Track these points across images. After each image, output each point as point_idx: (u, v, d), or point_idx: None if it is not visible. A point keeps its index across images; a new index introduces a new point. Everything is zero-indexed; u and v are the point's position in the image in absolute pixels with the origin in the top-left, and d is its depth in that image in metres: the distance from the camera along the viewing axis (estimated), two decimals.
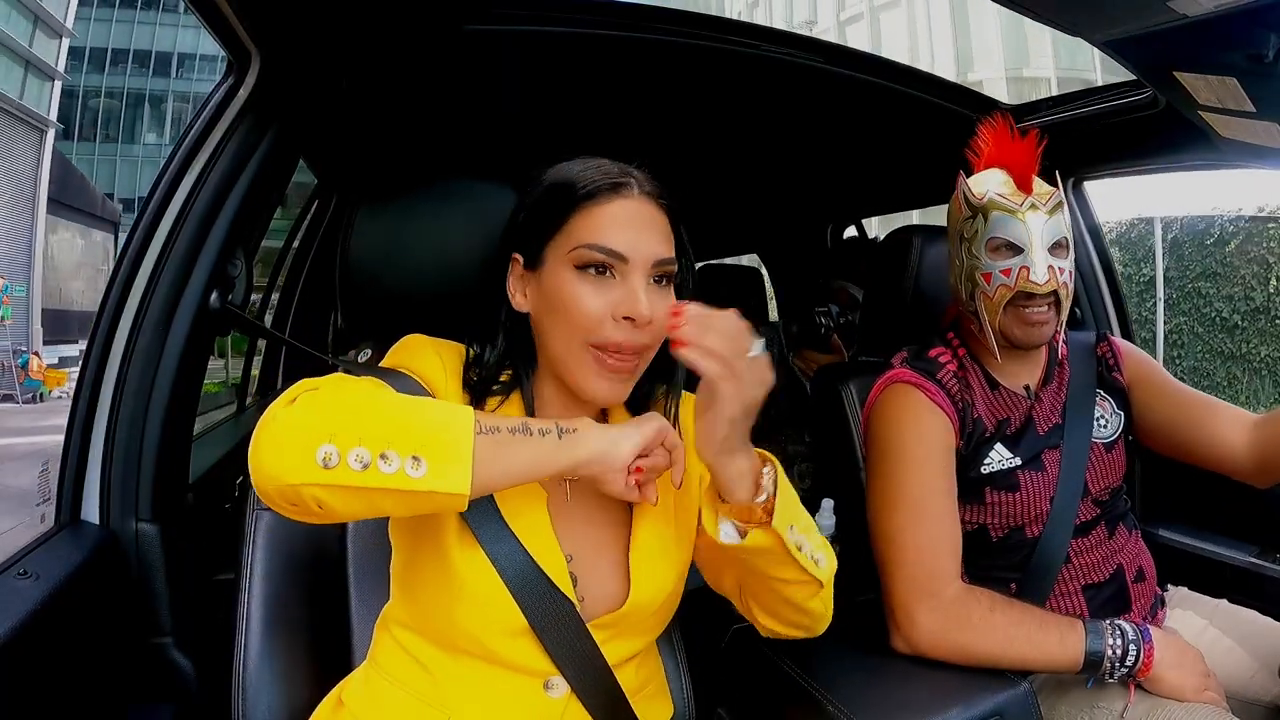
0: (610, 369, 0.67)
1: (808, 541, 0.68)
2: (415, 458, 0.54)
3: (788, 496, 0.67)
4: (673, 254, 0.70)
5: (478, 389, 0.72)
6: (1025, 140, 1.00)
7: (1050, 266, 0.96)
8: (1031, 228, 0.97)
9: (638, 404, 0.75)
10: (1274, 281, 7.16)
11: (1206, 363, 7.34)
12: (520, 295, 0.72)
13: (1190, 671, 0.87)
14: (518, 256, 0.72)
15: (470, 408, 0.59)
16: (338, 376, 0.64)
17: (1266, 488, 1.02)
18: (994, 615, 0.89)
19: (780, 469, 0.68)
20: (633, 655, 0.74)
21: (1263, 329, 7.31)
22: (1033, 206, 0.97)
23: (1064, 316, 1.01)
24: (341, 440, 0.54)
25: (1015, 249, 0.97)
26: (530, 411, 0.72)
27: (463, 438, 0.56)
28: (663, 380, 0.75)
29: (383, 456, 0.54)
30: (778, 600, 0.72)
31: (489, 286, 0.75)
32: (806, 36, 1.31)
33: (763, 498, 0.65)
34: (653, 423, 0.64)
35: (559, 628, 0.67)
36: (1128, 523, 1.07)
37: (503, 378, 0.74)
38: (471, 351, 0.74)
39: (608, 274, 0.67)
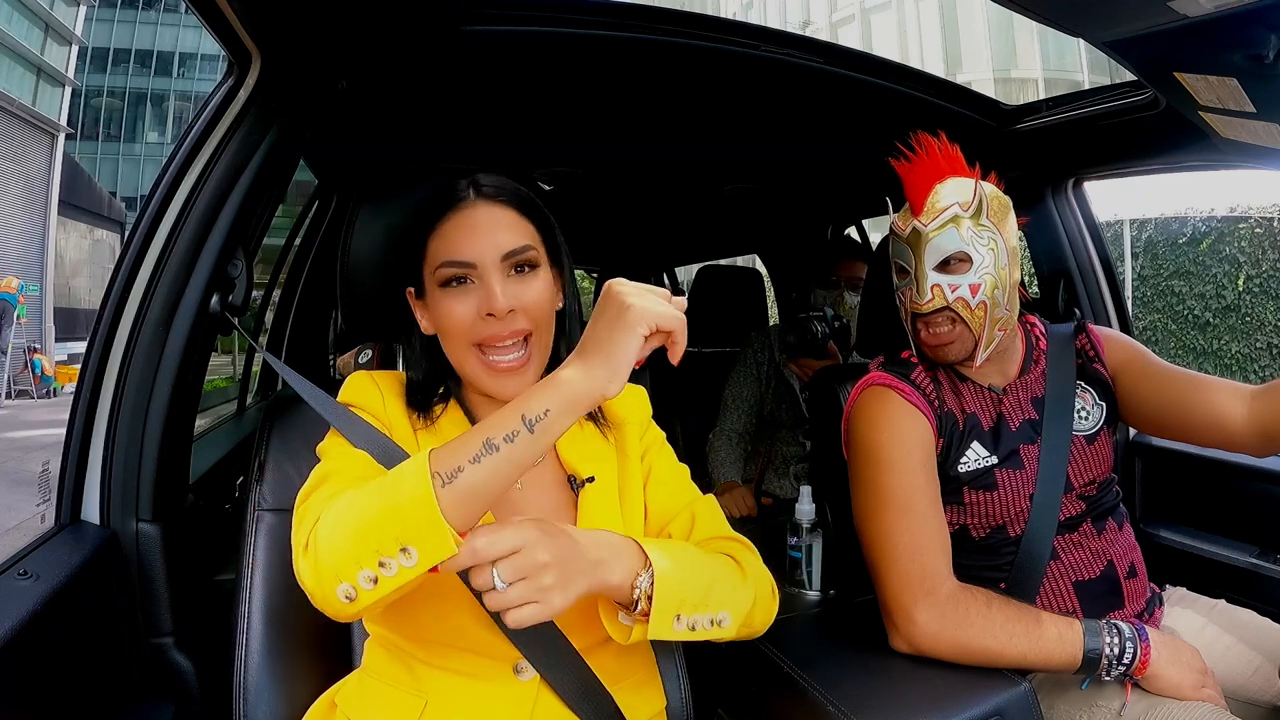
0: (502, 371, 0.73)
1: (702, 617, 0.70)
2: (404, 550, 0.57)
3: (670, 588, 0.67)
4: (524, 242, 0.75)
5: (419, 405, 0.78)
6: (917, 161, 1.02)
7: (936, 285, 0.99)
8: (916, 251, 1.01)
9: None
10: (1244, 280, 7.25)
11: (1179, 359, 7.53)
12: (425, 321, 0.79)
13: (1188, 668, 0.87)
14: (410, 289, 0.80)
15: (424, 469, 0.59)
16: (316, 490, 0.68)
17: (1265, 457, 1.03)
18: (992, 612, 0.89)
19: (658, 571, 0.67)
20: (603, 639, 0.75)
21: (1233, 326, 7.45)
22: (914, 231, 1.01)
23: (984, 329, 1.00)
24: (348, 574, 0.59)
25: (905, 271, 1.03)
26: (469, 414, 0.78)
27: (428, 509, 0.57)
28: (565, 347, 0.81)
29: (382, 565, 0.58)
30: None
31: (399, 319, 0.81)
32: (805, 37, 1.31)
33: (638, 609, 0.67)
34: (640, 325, 0.60)
35: None
36: (1118, 517, 1.06)
37: (440, 390, 0.80)
38: (412, 376, 0.81)
39: (467, 282, 0.73)
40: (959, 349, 1.01)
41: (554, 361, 0.79)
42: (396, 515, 0.58)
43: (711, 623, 0.70)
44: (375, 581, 0.58)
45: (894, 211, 1.07)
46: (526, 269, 0.75)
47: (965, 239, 0.99)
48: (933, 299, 0.99)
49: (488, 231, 0.74)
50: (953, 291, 0.98)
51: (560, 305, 0.80)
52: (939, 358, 1.03)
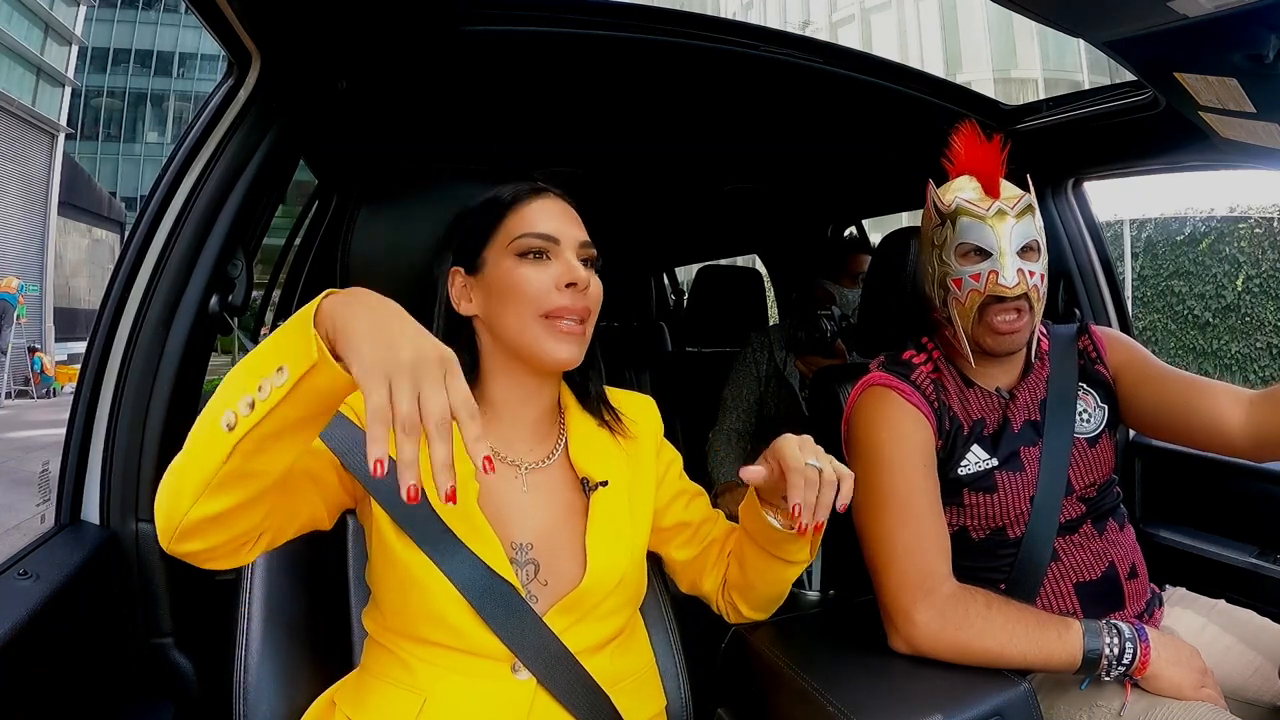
0: (565, 333, 0.77)
1: None
2: (278, 369, 0.55)
3: None
4: (590, 241, 0.82)
5: None
6: (991, 145, 1.00)
7: (1020, 270, 0.97)
8: (999, 232, 0.97)
9: (579, 391, 0.87)
10: (1244, 280, 7.25)
11: (1179, 359, 7.57)
12: (465, 301, 0.81)
13: (1188, 668, 0.87)
14: (458, 269, 0.82)
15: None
16: None
17: (1263, 462, 1.03)
18: (992, 613, 0.89)
19: None
20: (601, 643, 0.77)
21: (1233, 326, 7.46)
22: (999, 211, 0.98)
23: (1037, 320, 1.01)
24: (217, 411, 0.57)
25: (984, 253, 0.98)
26: None
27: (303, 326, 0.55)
28: (591, 367, 0.86)
29: (258, 388, 0.55)
30: (774, 585, 0.88)
31: (424, 305, 0.83)
32: (805, 37, 1.31)
33: None
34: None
35: (507, 613, 0.72)
36: (1118, 518, 1.06)
37: None
38: None
39: (544, 256, 0.78)
40: (1021, 338, 1.00)
41: (572, 372, 0.84)
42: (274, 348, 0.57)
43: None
44: (253, 406, 0.55)
45: (937, 190, 1.03)
46: (588, 264, 0.81)
47: (1037, 228, 1.00)
48: (1019, 282, 0.97)
49: (568, 220, 0.81)
50: (1031, 278, 0.98)
51: None
52: (1001, 348, 1.01)
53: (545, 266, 0.77)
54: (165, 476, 0.61)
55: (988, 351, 1.02)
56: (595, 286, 0.79)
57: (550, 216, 0.79)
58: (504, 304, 0.77)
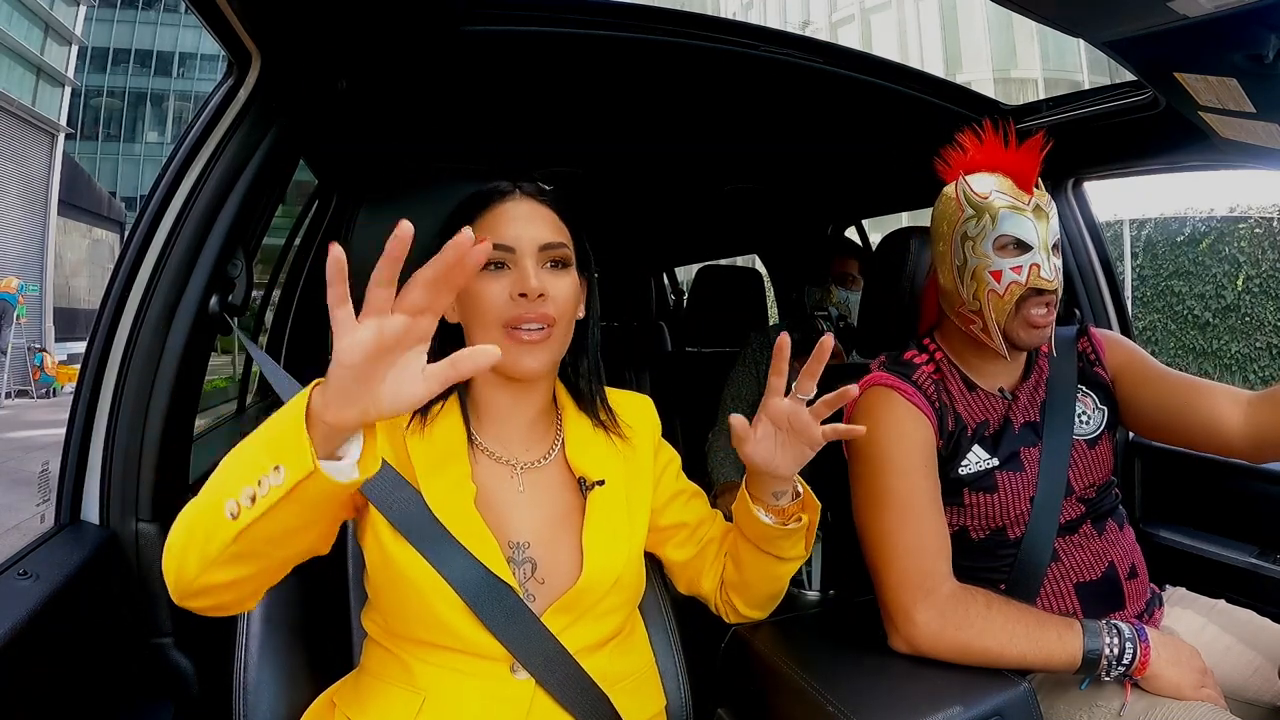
0: (526, 342, 0.76)
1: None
2: (275, 468, 0.55)
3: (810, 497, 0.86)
4: (561, 239, 0.80)
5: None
6: (1028, 144, 1.00)
7: (1054, 265, 0.98)
8: (1040, 227, 0.98)
9: (572, 385, 0.87)
10: (1244, 280, 7.25)
11: (1179, 359, 7.55)
12: (450, 310, 0.81)
13: (1188, 669, 0.87)
14: None
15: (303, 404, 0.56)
16: None
17: (1262, 464, 1.03)
18: (992, 613, 0.89)
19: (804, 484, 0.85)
20: (600, 643, 0.78)
21: (1233, 326, 7.46)
22: (1037, 207, 0.99)
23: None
24: (221, 496, 0.58)
25: (1025, 247, 0.98)
26: (466, 414, 0.80)
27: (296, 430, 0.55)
28: (583, 356, 0.86)
29: (258, 482, 0.56)
30: (771, 583, 0.88)
31: None
32: (805, 37, 1.31)
33: (793, 499, 0.85)
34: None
35: (504, 612, 0.72)
36: (1118, 519, 1.06)
37: None
38: None
39: (503, 267, 0.77)
40: (1048, 333, 1.01)
41: (566, 372, 0.84)
42: (271, 441, 0.57)
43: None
44: (254, 500, 0.56)
45: (970, 182, 1.01)
46: (559, 266, 0.79)
47: (1058, 229, 1.00)
48: (1055, 277, 0.98)
49: (529, 222, 0.79)
50: (1058, 274, 0.99)
51: (582, 315, 0.83)
52: (1033, 341, 1.01)
53: (502, 277, 0.76)
54: (172, 535, 0.62)
55: (1018, 346, 1.02)
56: (558, 290, 0.77)
57: (509, 222, 0.78)
58: (469, 316, 0.78)
